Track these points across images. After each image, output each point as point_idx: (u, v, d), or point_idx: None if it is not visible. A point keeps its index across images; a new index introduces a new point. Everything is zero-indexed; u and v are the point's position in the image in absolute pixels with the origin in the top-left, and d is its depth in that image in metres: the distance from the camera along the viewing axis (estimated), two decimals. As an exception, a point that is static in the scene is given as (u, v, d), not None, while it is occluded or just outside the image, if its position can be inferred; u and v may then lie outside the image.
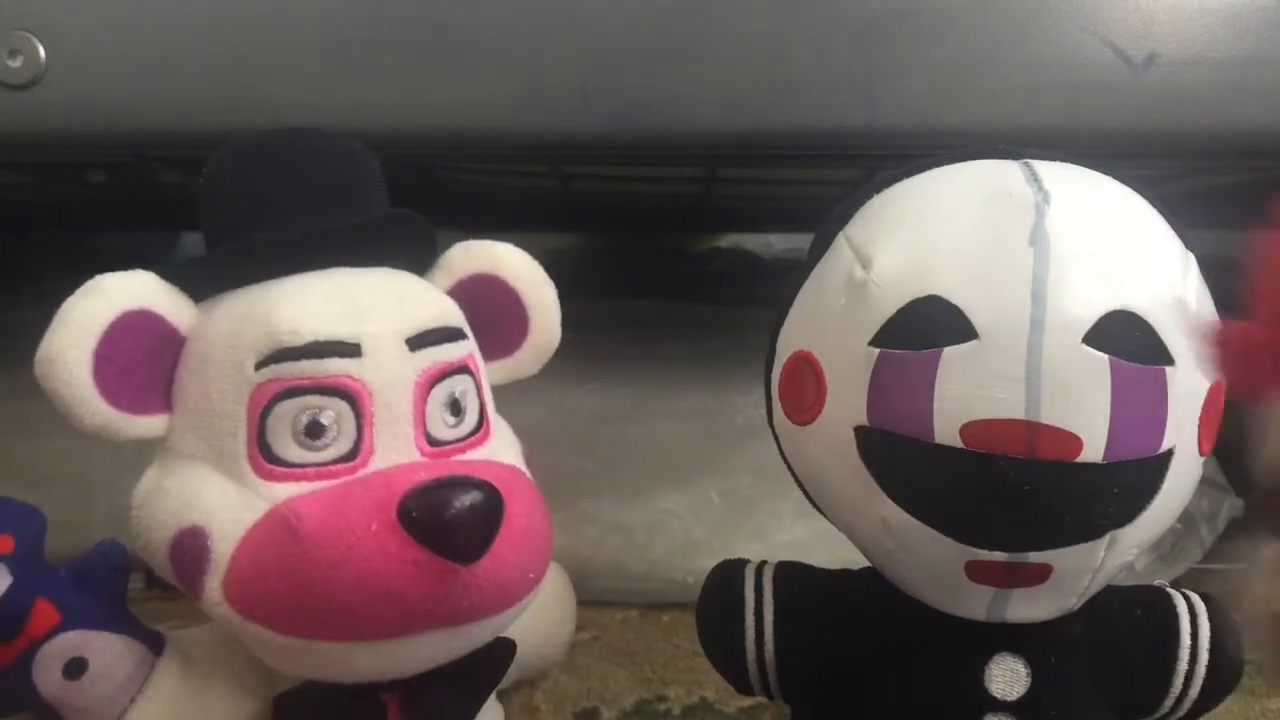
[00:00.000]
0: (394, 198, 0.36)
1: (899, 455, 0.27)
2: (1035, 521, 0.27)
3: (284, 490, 0.30)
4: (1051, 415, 0.26)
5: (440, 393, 0.33)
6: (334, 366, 0.31)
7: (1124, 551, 0.28)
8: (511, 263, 0.37)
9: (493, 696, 0.37)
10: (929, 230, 0.28)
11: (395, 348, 0.32)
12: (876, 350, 0.27)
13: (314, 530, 0.29)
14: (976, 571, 0.28)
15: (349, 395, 0.31)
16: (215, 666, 0.34)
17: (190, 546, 0.30)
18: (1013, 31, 0.43)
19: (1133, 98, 0.43)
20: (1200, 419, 0.28)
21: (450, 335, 0.34)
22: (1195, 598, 0.33)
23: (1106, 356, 0.26)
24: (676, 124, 0.44)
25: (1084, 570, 0.28)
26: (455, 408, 0.33)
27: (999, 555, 0.27)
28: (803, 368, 0.30)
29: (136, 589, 0.36)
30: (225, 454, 0.31)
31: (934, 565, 0.29)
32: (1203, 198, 0.66)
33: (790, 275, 0.32)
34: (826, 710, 0.33)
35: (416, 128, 0.45)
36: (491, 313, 0.37)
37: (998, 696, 0.30)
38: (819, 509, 0.32)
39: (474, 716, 0.36)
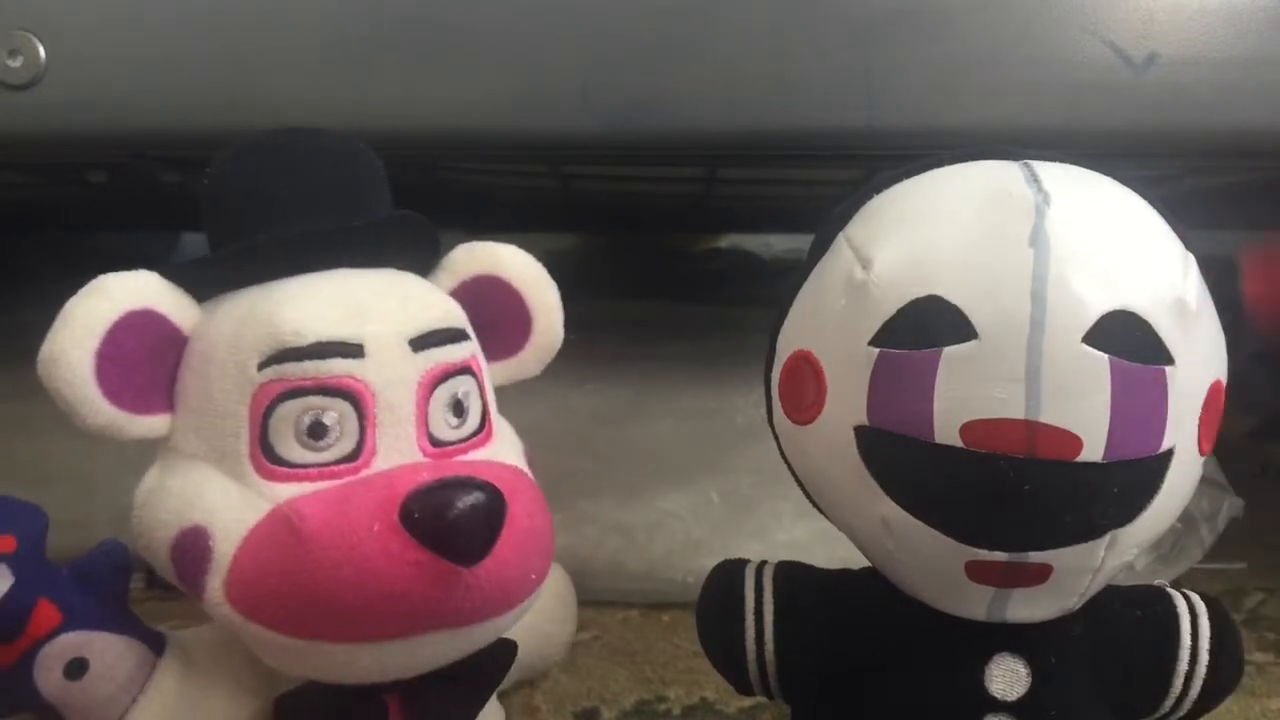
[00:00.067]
0: (394, 198, 0.36)
1: (899, 455, 0.27)
2: (1035, 521, 0.27)
3: (286, 490, 0.30)
4: (1051, 415, 0.26)
5: (443, 394, 0.33)
6: (337, 367, 0.31)
7: (1124, 551, 0.28)
8: (514, 264, 0.37)
9: (493, 697, 0.37)
10: (929, 230, 0.28)
11: (398, 348, 0.32)
12: (876, 350, 0.27)
13: (316, 531, 0.29)
14: (976, 571, 0.28)
15: (352, 396, 0.31)
16: (216, 666, 0.34)
17: (192, 546, 0.30)
18: (1013, 31, 0.43)
19: (1133, 98, 0.43)
20: (1200, 419, 0.28)
21: (453, 336, 0.34)
22: (1195, 598, 0.33)
23: (1106, 356, 0.26)
24: (676, 124, 0.44)
25: (1084, 570, 0.28)
26: (458, 408, 0.33)
27: (999, 555, 0.27)
28: (803, 367, 0.30)
29: (138, 589, 0.36)
30: (227, 454, 0.31)
31: (934, 565, 0.29)
32: (1203, 198, 0.66)
33: (790, 275, 0.32)
34: (827, 710, 0.33)
35: (416, 128, 0.45)
36: (494, 314, 0.37)
37: (998, 697, 0.30)
38: (819, 509, 0.32)
39: (475, 717, 0.36)
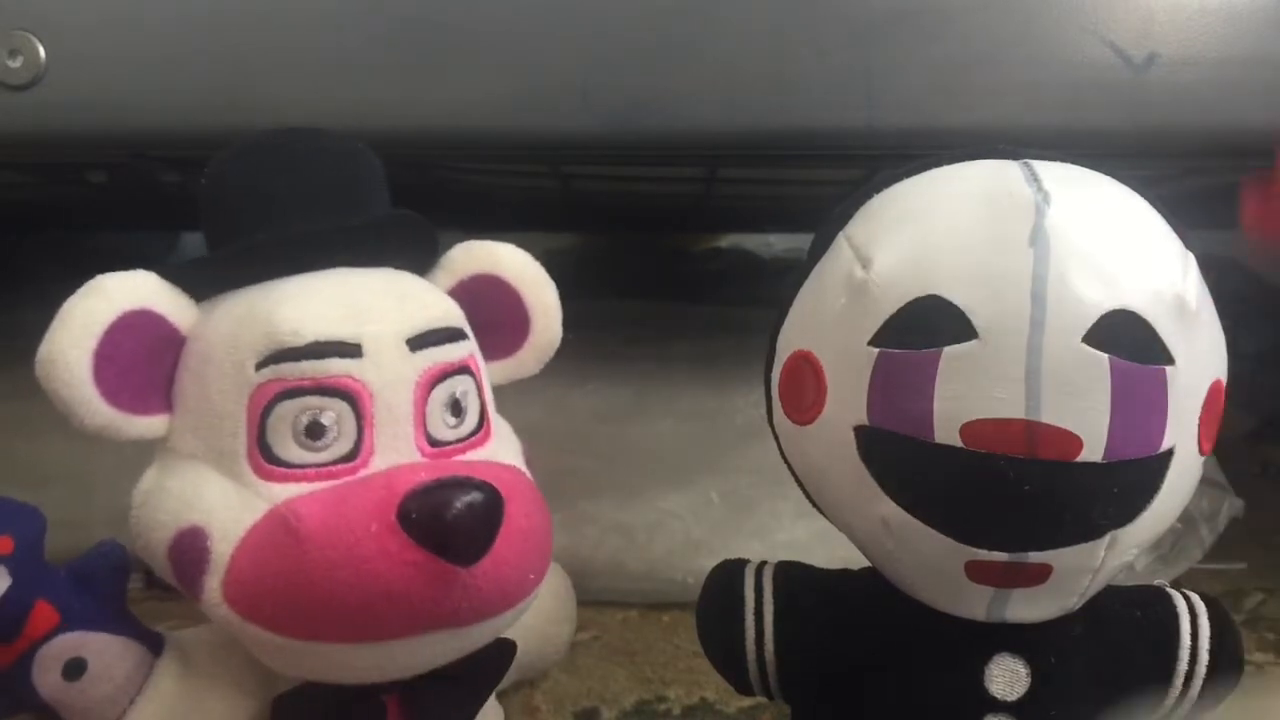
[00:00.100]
0: (394, 198, 0.36)
1: (899, 455, 0.27)
2: (1035, 521, 0.27)
3: (284, 491, 0.30)
4: (1051, 415, 0.26)
5: (441, 393, 0.33)
6: (334, 367, 0.31)
7: (1124, 551, 0.28)
8: (513, 263, 0.37)
9: (493, 697, 0.37)
10: (929, 230, 0.28)
11: (396, 348, 0.32)
12: (876, 350, 0.27)
13: (314, 531, 0.29)
14: (976, 571, 0.28)
15: (349, 396, 0.31)
16: (215, 667, 0.34)
17: (190, 547, 0.30)
18: (1013, 31, 0.43)
19: (1133, 97, 0.43)
20: (1200, 419, 0.28)
21: (451, 336, 0.33)
22: (1195, 598, 0.33)
23: (1106, 356, 0.26)
24: (676, 124, 0.44)
25: (1084, 570, 0.28)
26: (456, 408, 0.33)
27: (999, 555, 0.27)
28: (803, 367, 0.30)
29: (136, 589, 0.36)
30: (225, 454, 0.31)
31: (934, 565, 0.29)
32: (1203, 198, 0.66)
33: (790, 275, 0.32)
34: (827, 710, 0.33)
35: (416, 128, 0.45)
36: (492, 313, 0.37)
37: (998, 697, 0.30)
38: (819, 509, 0.32)
39: (474, 717, 0.36)
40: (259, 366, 0.31)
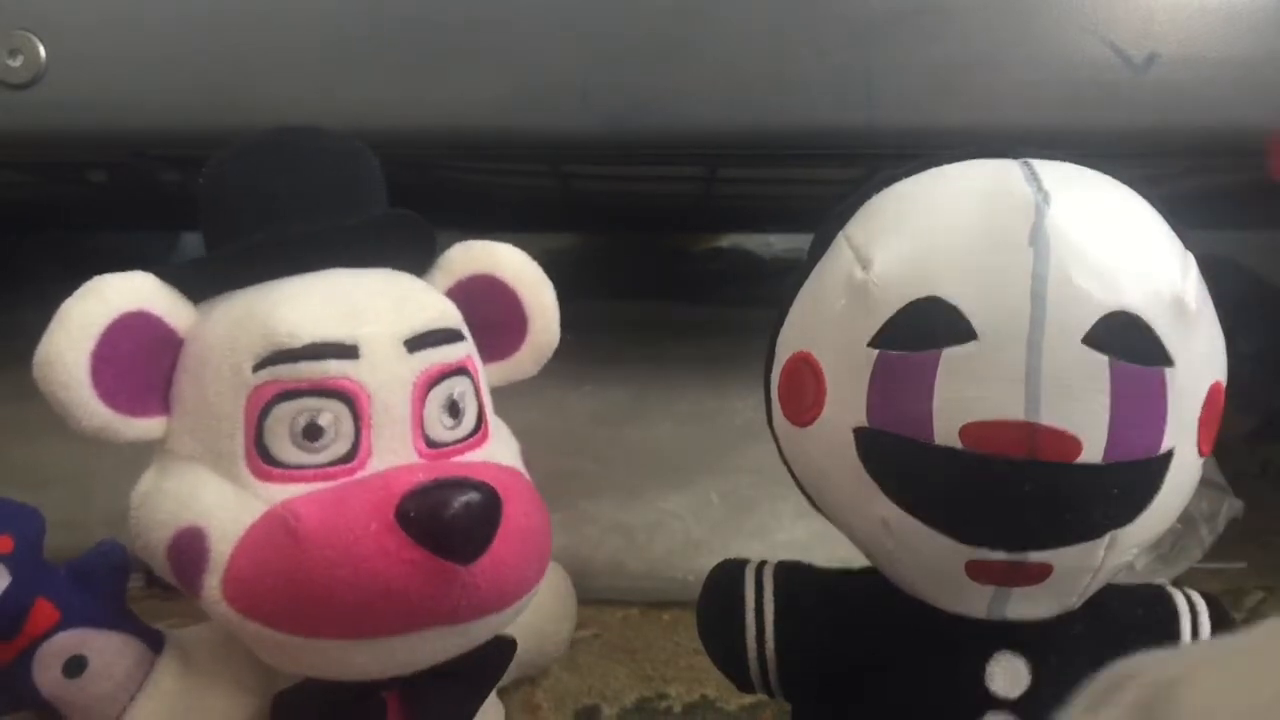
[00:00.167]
0: (393, 197, 0.36)
1: (898, 456, 0.27)
2: (1035, 522, 0.27)
3: (282, 492, 0.30)
4: (1051, 416, 0.26)
5: (438, 394, 0.33)
6: (331, 368, 0.31)
7: (1124, 551, 0.28)
8: (511, 264, 0.37)
9: (493, 694, 0.37)
10: (929, 230, 0.28)
11: (393, 349, 0.32)
12: (876, 351, 0.27)
13: (313, 530, 0.29)
14: (977, 570, 0.28)
15: (346, 397, 0.31)
16: (215, 664, 0.34)
17: (189, 546, 0.30)
18: (1013, 31, 0.43)
19: (1133, 97, 0.43)
20: (1200, 419, 0.28)
21: (448, 337, 0.33)
22: (1196, 596, 0.33)
23: (1106, 358, 0.26)
24: (677, 123, 0.44)
25: (1084, 569, 0.28)
26: (453, 409, 0.33)
27: (999, 555, 0.27)
28: (802, 369, 0.30)
29: (137, 588, 0.36)
30: (223, 456, 0.31)
31: (934, 564, 0.29)
32: (1203, 198, 0.66)
33: (790, 275, 0.32)
34: (827, 709, 0.33)
35: (416, 128, 0.45)
36: (490, 314, 0.37)
37: (999, 695, 0.30)
38: (819, 510, 0.32)
39: (474, 714, 0.36)
40: (256, 368, 0.31)
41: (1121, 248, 0.27)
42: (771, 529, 0.58)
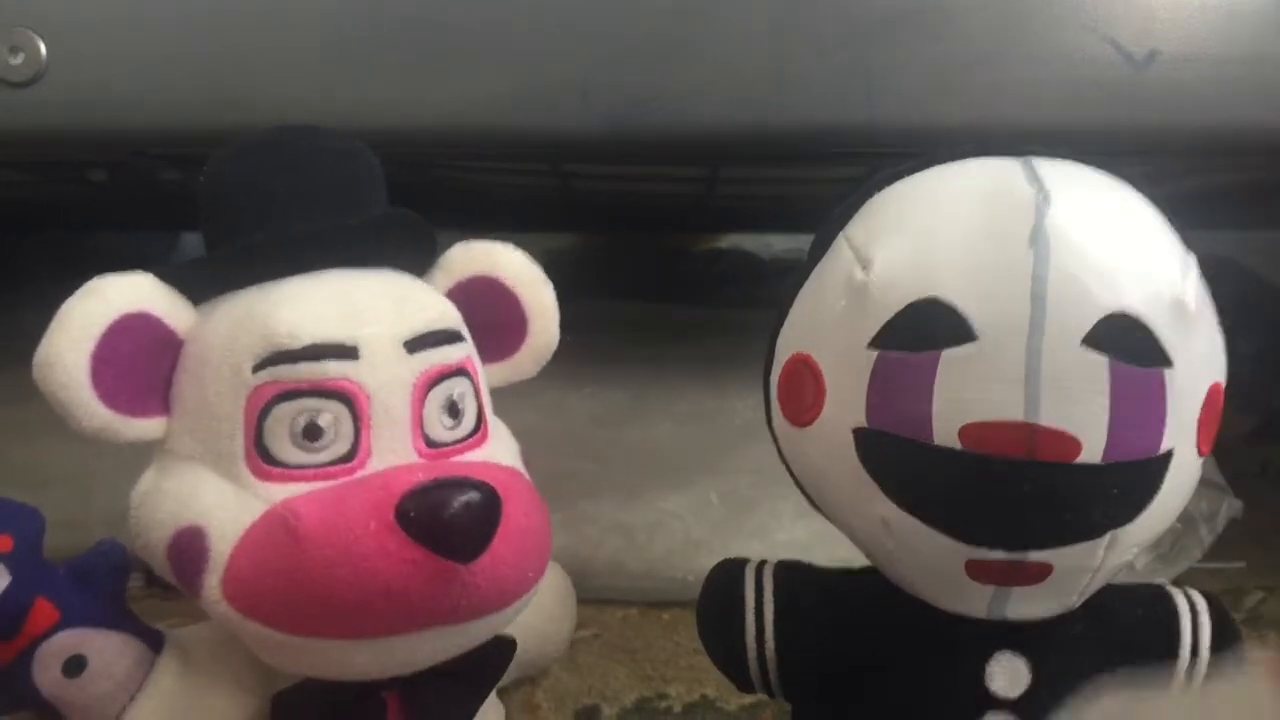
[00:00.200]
0: (392, 197, 0.36)
1: (898, 457, 0.27)
2: (1035, 521, 0.27)
3: (282, 492, 0.30)
4: (1051, 417, 0.26)
5: (438, 395, 0.33)
6: (331, 369, 0.31)
7: (1124, 551, 0.28)
8: (510, 264, 0.37)
9: (493, 694, 0.37)
10: (929, 231, 0.28)
11: (393, 350, 0.32)
12: (875, 352, 0.27)
13: (312, 530, 0.29)
14: (976, 570, 0.28)
15: (346, 398, 0.31)
16: (215, 664, 0.34)
17: (188, 546, 0.30)
18: (1013, 29, 0.43)
19: (1133, 95, 0.43)
20: (1199, 420, 0.28)
21: (448, 337, 0.33)
22: (1196, 596, 0.33)
23: (1106, 359, 0.26)
24: (677, 122, 0.44)
25: (1084, 569, 0.28)
26: (453, 410, 0.33)
27: (999, 554, 0.27)
28: (802, 370, 0.30)
29: (137, 587, 0.36)
30: (223, 456, 0.31)
31: (934, 564, 0.29)
32: (1203, 198, 0.66)
33: (790, 276, 0.32)
34: (827, 709, 0.33)
35: (416, 127, 0.45)
36: (490, 315, 0.37)
37: (999, 694, 0.30)
38: (819, 510, 0.32)
39: (474, 714, 0.36)
40: (256, 369, 0.31)
41: (1122, 248, 0.27)
42: (771, 529, 0.58)
